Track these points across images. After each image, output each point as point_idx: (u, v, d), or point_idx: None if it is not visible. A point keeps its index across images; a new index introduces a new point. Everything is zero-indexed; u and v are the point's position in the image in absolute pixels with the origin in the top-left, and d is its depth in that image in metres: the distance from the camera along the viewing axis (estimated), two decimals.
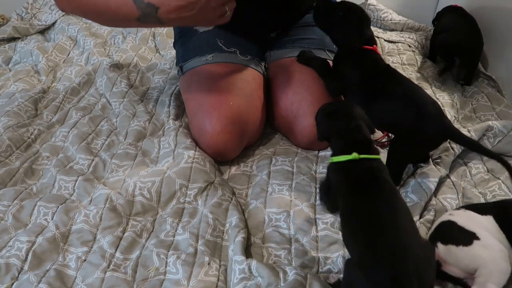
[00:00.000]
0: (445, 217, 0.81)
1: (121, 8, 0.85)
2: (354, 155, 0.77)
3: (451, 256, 0.75)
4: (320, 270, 0.79)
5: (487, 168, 1.02)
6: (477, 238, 0.73)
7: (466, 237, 0.74)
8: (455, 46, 1.36)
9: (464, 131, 1.01)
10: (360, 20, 1.03)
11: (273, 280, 0.71)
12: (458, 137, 0.92)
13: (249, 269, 0.74)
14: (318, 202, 0.93)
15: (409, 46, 1.63)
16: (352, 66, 1.01)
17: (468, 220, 0.78)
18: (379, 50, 1.60)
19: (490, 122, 1.05)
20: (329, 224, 0.87)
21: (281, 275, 0.73)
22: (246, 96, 1.07)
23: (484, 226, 0.76)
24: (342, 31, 1.04)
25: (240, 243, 0.79)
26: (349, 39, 1.03)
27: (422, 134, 0.90)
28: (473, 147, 0.94)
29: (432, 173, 0.96)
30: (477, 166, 1.02)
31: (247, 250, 0.82)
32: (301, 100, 1.07)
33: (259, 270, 0.73)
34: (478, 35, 1.37)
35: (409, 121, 0.90)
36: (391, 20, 1.74)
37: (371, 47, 1.02)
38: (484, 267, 0.71)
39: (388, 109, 0.94)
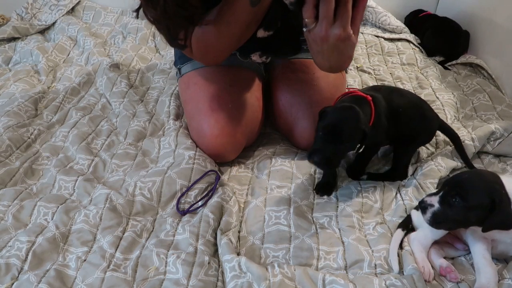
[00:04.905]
0: None
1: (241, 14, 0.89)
2: None
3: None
4: (319, 265, 0.79)
5: (485, 168, 1.02)
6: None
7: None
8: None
9: (467, 136, 1.04)
10: None
11: (262, 274, 0.72)
12: (446, 130, 1.02)
13: (239, 266, 0.74)
14: (316, 200, 0.93)
15: (409, 43, 1.63)
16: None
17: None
18: (379, 50, 1.61)
19: (493, 127, 1.05)
20: (326, 223, 0.87)
21: (269, 269, 0.74)
22: (244, 98, 1.07)
23: None
24: None
25: (226, 244, 0.79)
26: None
27: (425, 136, 1.01)
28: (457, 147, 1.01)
29: (432, 173, 0.96)
30: (477, 166, 1.02)
31: (247, 251, 0.82)
32: (300, 103, 1.07)
33: (248, 265, 0.74)
34: None
35: (420, 131, 0.99)
36: (389, 24, 1.74)
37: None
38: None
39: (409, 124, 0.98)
